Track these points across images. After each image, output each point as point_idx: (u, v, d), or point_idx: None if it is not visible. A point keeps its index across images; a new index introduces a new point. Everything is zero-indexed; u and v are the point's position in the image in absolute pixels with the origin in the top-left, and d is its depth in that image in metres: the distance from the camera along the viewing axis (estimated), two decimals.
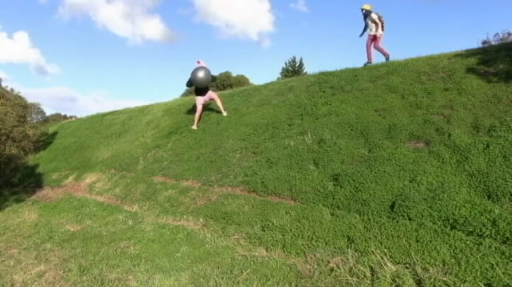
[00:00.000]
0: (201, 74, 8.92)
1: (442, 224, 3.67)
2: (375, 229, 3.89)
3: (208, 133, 8.62)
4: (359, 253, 3.56)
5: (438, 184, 4.28)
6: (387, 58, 8.84)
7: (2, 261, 4.58)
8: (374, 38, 8.87)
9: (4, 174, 12.05)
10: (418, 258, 3.24)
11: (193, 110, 9.36)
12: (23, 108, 13.09)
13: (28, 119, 14.36)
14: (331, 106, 7.22)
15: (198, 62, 9.33)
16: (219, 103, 9.36)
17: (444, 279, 2.89)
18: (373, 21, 8.76)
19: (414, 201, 4.06)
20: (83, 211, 6.87)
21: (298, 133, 6.78)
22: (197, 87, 9.18)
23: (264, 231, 4.52)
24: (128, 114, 13.32)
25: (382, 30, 8.81)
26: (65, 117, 37.56)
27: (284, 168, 5.84)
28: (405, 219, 3.91)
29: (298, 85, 9.09)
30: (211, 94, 9.35)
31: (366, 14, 8.92)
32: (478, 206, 3.71)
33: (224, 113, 9.15)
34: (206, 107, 9.77)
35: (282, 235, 4.29)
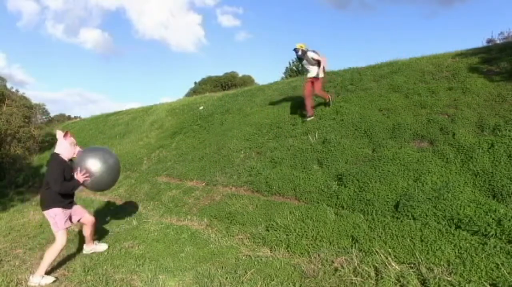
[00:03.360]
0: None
1: (447, 223, 3.66)
2: (379, 228, 3.88)
3: (212, 133, 8.63)
4: (364, 253, 3.55)
5: (442, 183, 4.26)
6: (328, 103, 7.30)
7: (8, 261, 4.61)
8: (314, 82, 7.01)
9: (9, 174, 12.13)
10: (422, 258, 3.22)
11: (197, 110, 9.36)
12: (28, 109, 13.20)
13: (33, 119, 14.46)
14: (335, 106, 7.21)
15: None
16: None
17: (449, 279, 2.88)
18: (312, 62, 6.93)
19: (419, 201, 4.04)
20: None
21: (302, 133, 6.78)
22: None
23: (268, 231, 4.51)
24: (132, 115, 13.37)
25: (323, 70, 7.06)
26: (69, 117, 37.80)
27: (288, 168, 5.84)
28: (410, 219, 3.90)
29: (302, 85, 9.09)
30: None
31: (302, 55, 6.93)
32: (483, 205, 3.69)
33: None
34: (208, 108, 9.79)
35: (286, 235, 4.28)
